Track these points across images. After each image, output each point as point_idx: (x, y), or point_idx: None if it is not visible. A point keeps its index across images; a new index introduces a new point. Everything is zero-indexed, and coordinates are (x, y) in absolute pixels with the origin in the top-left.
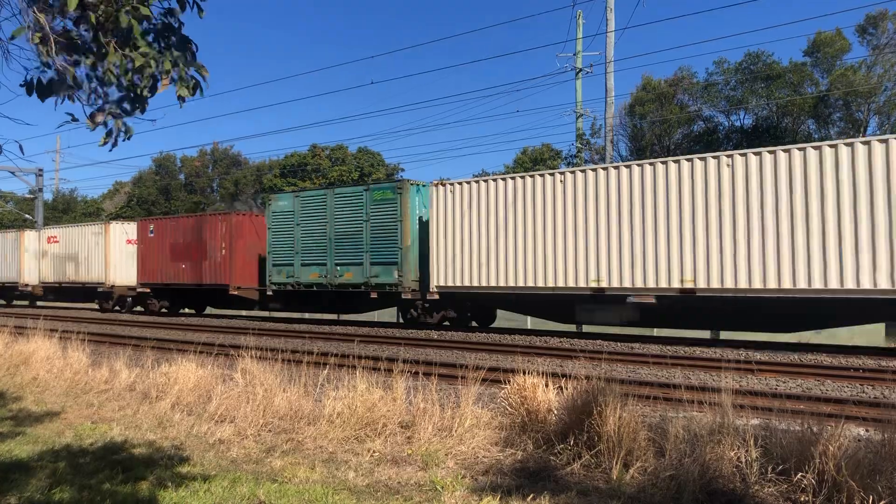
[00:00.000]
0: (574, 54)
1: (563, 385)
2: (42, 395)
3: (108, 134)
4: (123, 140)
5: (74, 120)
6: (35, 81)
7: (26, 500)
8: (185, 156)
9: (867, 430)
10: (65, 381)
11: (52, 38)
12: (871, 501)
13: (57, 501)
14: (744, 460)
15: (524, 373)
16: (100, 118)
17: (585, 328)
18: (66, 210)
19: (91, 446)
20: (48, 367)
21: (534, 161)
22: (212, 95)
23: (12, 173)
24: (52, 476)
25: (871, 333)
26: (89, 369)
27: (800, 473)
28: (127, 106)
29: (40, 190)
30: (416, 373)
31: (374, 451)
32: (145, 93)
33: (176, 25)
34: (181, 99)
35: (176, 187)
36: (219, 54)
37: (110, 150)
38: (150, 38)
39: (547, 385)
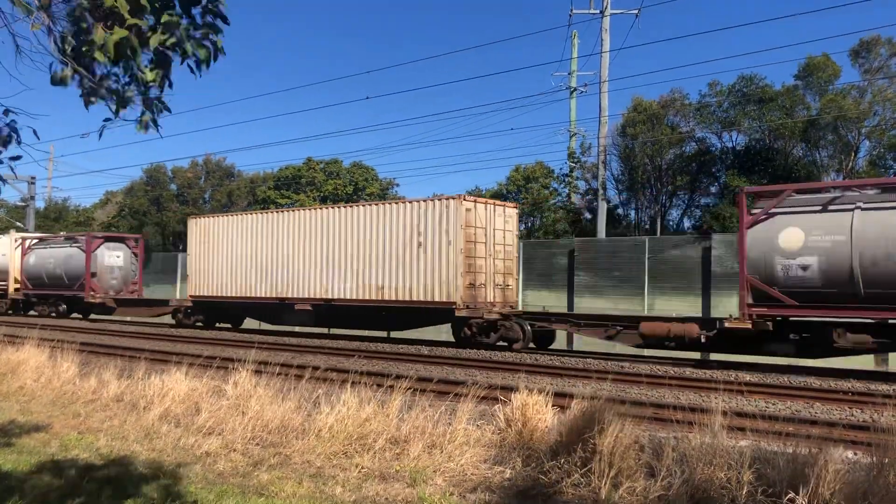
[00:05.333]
0: (569, 74)
1: (558, 404)
2: (28, 405)
3: (142, 119)
4: (160, 116)
5: (115, 116)
6: (59, 76)
7: None
8: (177, 167)
9: (855, 454)
10: (52, 391)
11: (56, 35)
12: None
13: None
14: (734, 482)
15: (528, 391)
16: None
17: (575, 346)
18: (57, 219)
19: (77, 457)
20: (36, 376)
21: (526, 179)
22: (206, 107)
23: (4, 181)
24: (36, 488)
25: (863, 357)
26: (77, 379)
27: (790, 495)
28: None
29: (32, 198)
30: (410, 389)
31: (362, 467)
32: (148, 74)
33: None
34: (198, 65)
35: (168, 198)
36: (214, 67)
37: (157, 130)
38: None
39: (546, 404)
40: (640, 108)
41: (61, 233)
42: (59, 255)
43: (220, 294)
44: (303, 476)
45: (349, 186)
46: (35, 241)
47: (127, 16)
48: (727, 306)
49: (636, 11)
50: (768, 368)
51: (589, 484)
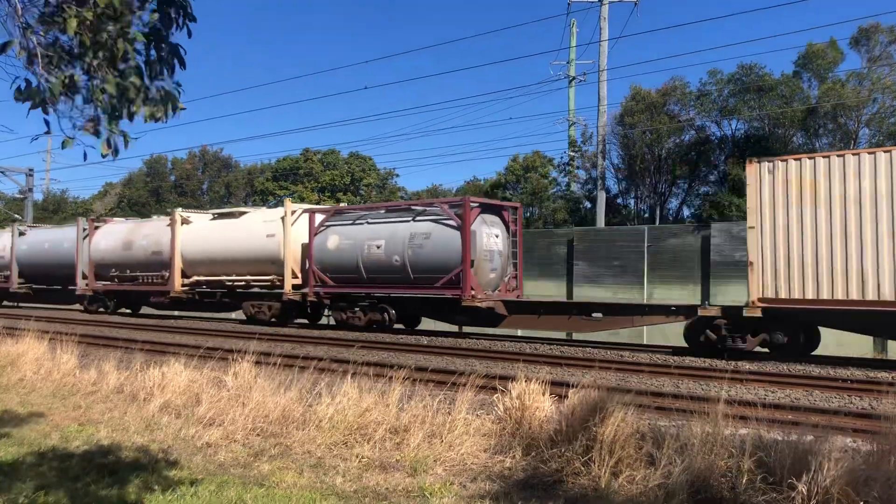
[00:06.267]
0: (567, 62)
1: (558, 393)
2: (28, 397)
3: (108, 144)
4: (124, 148)
5: (48, 133)
6: (23, 88)
7: (10, 503)
8: (176, 158)
9: (855, 441)
10: (52, 383)
11: (39, 53)
12: None
13: None
14: (734, 470)
15: (527, 380)
16: (89, 127)
17: (574, 335)
18: (56, 210)
19: (77, 449)
20: (36, 368)
21: (525, 168)
22: (204, 98)
23: (2, 173)
24: (38, 478)
25: (861, 345)
26: (77, 371)
27: (790, 481)
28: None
29: (30, 190)
30: (410, 379)
31: (362, 457)
32: (124, 114)
33: (166, 37)
34: (155, 119)
35: (166, 189)
36: (211, 56)
37: (114, 160)
38: (139, 51)
39: (544, 393)
40: (639, 96)
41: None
42: (398, 235)
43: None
44: (303, 466)
45: (346, 177)
46: (331, 214)
47: (132, 60)
48: (728, 294)
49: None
50: (767, 357)
51: (589, 472)
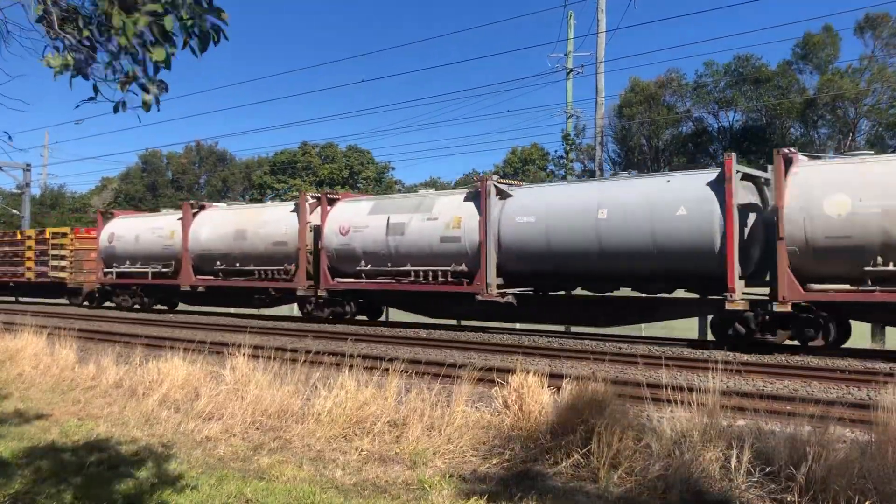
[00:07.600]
0: (565, 55)
1: (556, 385)
2: (28, 392)
3: (145, 100)
4: (159, 96)
5: (94, 98)
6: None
7: (10, 498)
8: (172, 153)
9: (853, 432)
10: (51, 378)
11: (54, 16)
12: (856, 502)
13: (42, 499)
14: (732, 461)
15: (526, 372)
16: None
17: (574, 328)
18: (53, 205)
19: (77, 443)
20: (35, 363)
21: (523, 161)
22: (201, 92)
23: (0, 169)
24: (38, 474)
25: (858, 335)
26: (76, 366)
27: (788, 472)
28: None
29: (28, 185)
30: (408, 372)
31: (361, 450)
32: (157, 54)
33: None
34: (198, 50)
35: (163, 184)
36: (210, 52)
37: (159, 110)
38: None
39: (543, 385)
40: (638, 88)
41: None
42: None
43: None
44: (303, 460)
45: (345, 170)
46: None
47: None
48: None
49: None
50: (765, 348)
51: (588, 464)
